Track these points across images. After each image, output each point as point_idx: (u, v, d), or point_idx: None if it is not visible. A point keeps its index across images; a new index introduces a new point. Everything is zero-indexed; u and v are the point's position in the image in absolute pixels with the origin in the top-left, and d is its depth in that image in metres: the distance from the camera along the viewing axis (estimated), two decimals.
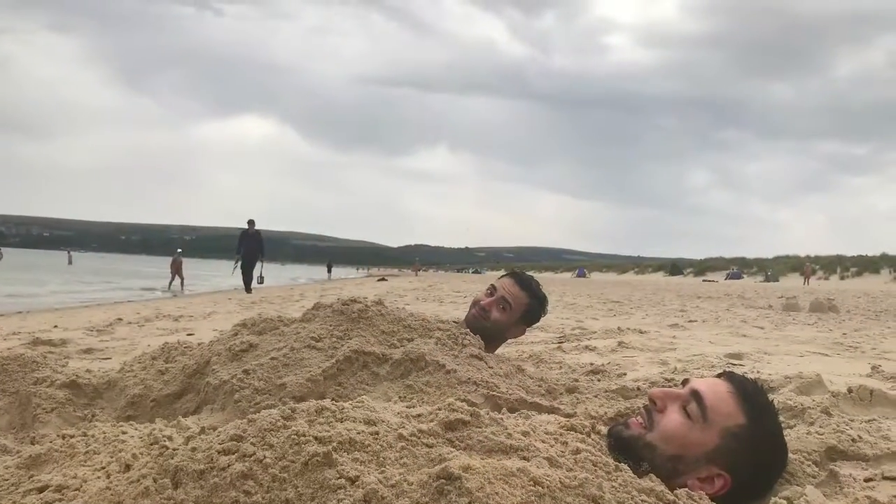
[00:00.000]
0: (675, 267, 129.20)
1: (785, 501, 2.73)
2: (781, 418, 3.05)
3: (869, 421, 3.68)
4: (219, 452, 2.30)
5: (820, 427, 3.55)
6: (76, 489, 2.45)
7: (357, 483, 2.18)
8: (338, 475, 2.19)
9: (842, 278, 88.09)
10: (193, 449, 2.37)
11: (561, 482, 2.28)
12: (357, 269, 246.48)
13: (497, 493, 2.16)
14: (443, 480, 2.18)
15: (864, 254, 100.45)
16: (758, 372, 5.96)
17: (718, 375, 2.88)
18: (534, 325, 5.25)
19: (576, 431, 2.79)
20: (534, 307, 5.01)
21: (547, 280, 48.36)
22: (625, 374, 5.50)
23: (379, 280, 60.13)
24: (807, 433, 3.44)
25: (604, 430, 2.94)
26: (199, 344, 4.89)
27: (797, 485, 2.97)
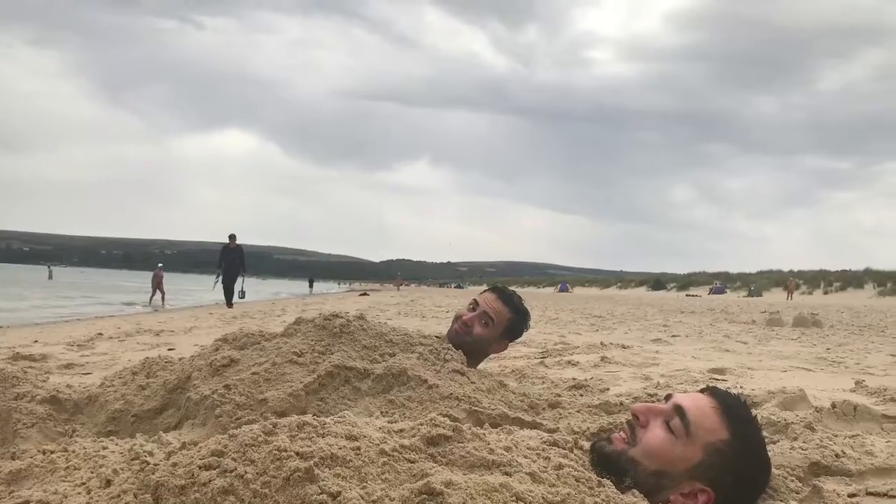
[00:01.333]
0: (658, 282, 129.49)
1: None
2: (765, 433, 3.05)
3: (853, 436, 3.68)
4: (200, 468, 2.28)
5: (804, 442, 3.55)
6: None
7: (339, 499, 2.17)
8: (319, 491, 2.18)
9: (825, 293, 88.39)
10: (174, 464, 2.35)
11: (543, 498, 2.28)
12: (339, 284, 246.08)
13: None
14: (425, 496, 2.17)
15: (847, 268, 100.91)
16: (741, 387, 5.97)
17: (702, 390, 2.88)
18: (516, 340, 5.25)
19: (558, 447, 2.78)
20: (516, 322, 5.00)
21: (529, 295, 48.36)
22: (607, 390, 5.51)
23: (361, 295, 60.08)
24: (790, 448, 3.44)
25: (586, 445, 2.93)
26: (180, 359, 4.86)
27: (780, 500, 2.97)
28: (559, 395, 4.69)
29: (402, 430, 2.62)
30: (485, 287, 5.53)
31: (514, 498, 2.23)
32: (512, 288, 5.28)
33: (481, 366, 5.05)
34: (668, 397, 2.85)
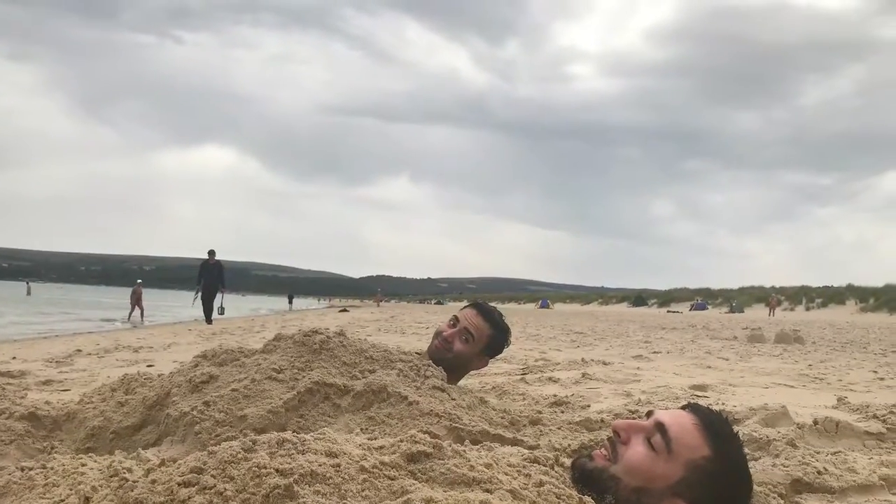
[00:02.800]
0: (639, 298, 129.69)
1: None
2: (746, 450, 3.04)
3: (835, 453, 3.68)
4: (179, 485, 2.27)
5: (785, 459, 3.55)
6: None
7: None
8: None
9: (807, 309, 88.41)
10: (153, 481, 2.34)
11: None
12: (318, 300, 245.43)
13: None
14: None
15: (829, 284, 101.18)
16: (722, 403, 5.97)
17: (683, 407, 2.87)
18: (497, 357, 5.23)
19: (539, 464, 2.77)
20: (497, 338, 4.99)
21: (510, 311, 48.32)
22: (589, 406, 5.50)
23: (340, 311, 59.92)
24: (772, 465, 3.44)
25: (567, 462, 2.92)
26: (159, 375, 4.84)
27: None
28: (540, 412, 4.68)
29: (382, 447, 2.60)
30: (465, 303, 5.51)
31: None
32: (492, 304, 5.27)
33: (462, 382, 5.05)
34: (649, 414, 2.84)
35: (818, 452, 3.70)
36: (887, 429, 4.54)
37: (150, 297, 52.68)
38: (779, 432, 4.11)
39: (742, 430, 3.75)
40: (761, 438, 3.96)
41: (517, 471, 2.64)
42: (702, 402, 4.30)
